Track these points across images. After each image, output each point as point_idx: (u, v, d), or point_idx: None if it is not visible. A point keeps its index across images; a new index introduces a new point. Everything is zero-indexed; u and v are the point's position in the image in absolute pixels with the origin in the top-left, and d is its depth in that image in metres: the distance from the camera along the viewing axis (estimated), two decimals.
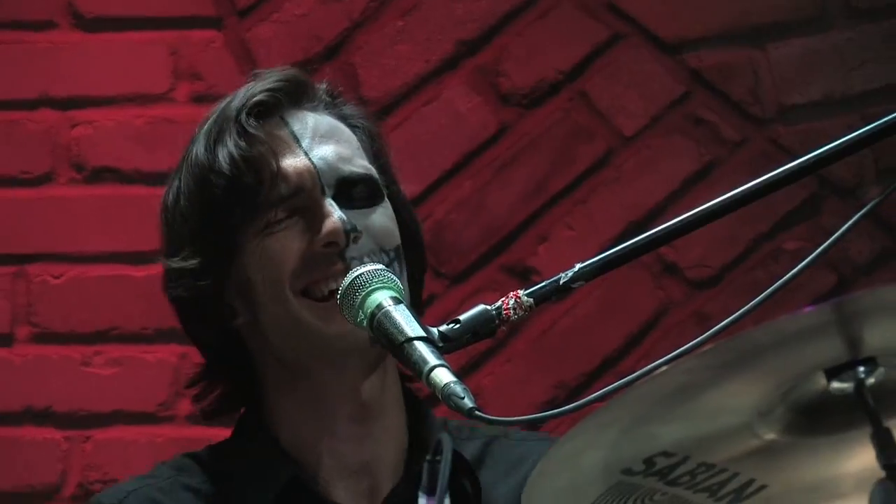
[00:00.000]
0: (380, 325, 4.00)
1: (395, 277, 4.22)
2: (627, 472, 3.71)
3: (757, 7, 4.95)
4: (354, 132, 4.56)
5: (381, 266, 4.24)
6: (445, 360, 3.89)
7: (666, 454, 3.69)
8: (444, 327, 3.97)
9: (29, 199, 7.18)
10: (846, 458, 3.69)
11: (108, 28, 5.75)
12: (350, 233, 4.27)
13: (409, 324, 3.97)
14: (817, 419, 3.77)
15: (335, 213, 4.24)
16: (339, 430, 4.56)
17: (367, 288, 4.06)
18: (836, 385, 3.65)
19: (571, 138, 5.14)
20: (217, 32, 5.21)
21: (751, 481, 3.78)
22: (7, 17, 6.31)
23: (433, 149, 5.31)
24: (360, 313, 4.05)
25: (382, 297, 4.04)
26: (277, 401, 4.58)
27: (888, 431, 3.55)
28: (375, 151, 4.54)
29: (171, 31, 5.45)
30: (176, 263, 4.48)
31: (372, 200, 4.42)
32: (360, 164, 4.38)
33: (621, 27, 4.96)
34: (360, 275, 4.14)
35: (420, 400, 4.54)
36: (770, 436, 3.67)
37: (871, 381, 3.58)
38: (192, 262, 4.49)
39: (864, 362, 3.66)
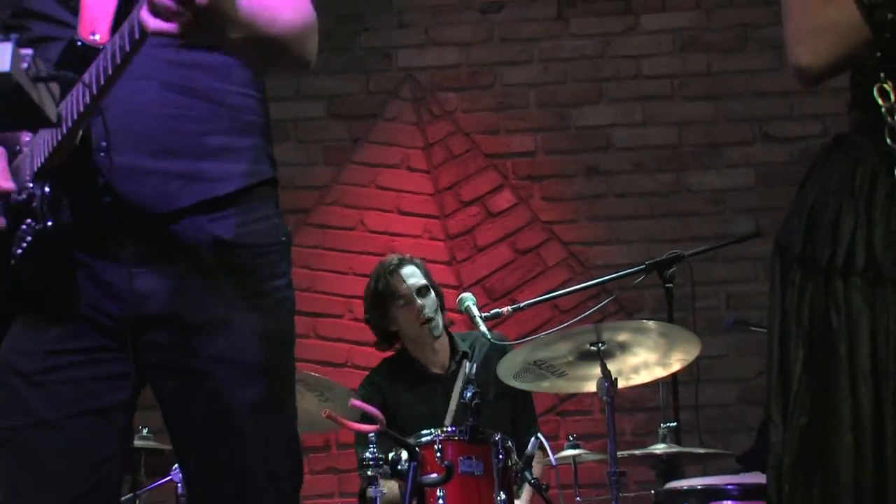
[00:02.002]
0: (467, 311, 3.60)
1: (473, 297, 3.66)
2: (528, 364, 3.53)
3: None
4: (422, 270, 3.91)
5: (468, 294, 3.70)
6: (485, 322, 3.55)
7: (540, 360, 3.51)
8: (485, 314, 3.59)
9: None
10: (593, 369, 3.42)
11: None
12: (423, 308, 3.79)
13: (478, 310, 3.58)
14: (586, 359, 3.47)
15: (417, 301, 3.82)
16: (429, 353, 3.85)
17: (463, 301, 3.59)
18: (592, 348, 3.41)
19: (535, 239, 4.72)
20: (439, 221, 4.81)
21: (564, 371, 3.56)
22: None
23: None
24: (462, 307, 3.58)
25: (470, 303, 3.58)
26: (409, 345, 3.90)
27: (606, 365, 3.35)
28: (426, 275, 3.92)
29: (412, 239, 4.88)
30: (368, 315, 3.98)
31: (427, 293, 3.84)
32: (423, 282, 3.89)
33: (550, 236, 4.38)
34: (461, 298, 3.65)
35: (456, 341, 3.99)
36: (571, 359, 3.48)
37: (603, 347, 3.40)
38: (372, 315, 3.96)
39: (602, 343, 3.42)
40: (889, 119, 1.71)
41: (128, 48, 1.61)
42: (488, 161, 4.97)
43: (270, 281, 1.90)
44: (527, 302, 3.89)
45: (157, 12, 1.55)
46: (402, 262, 3.97)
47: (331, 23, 4.76)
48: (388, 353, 4.05)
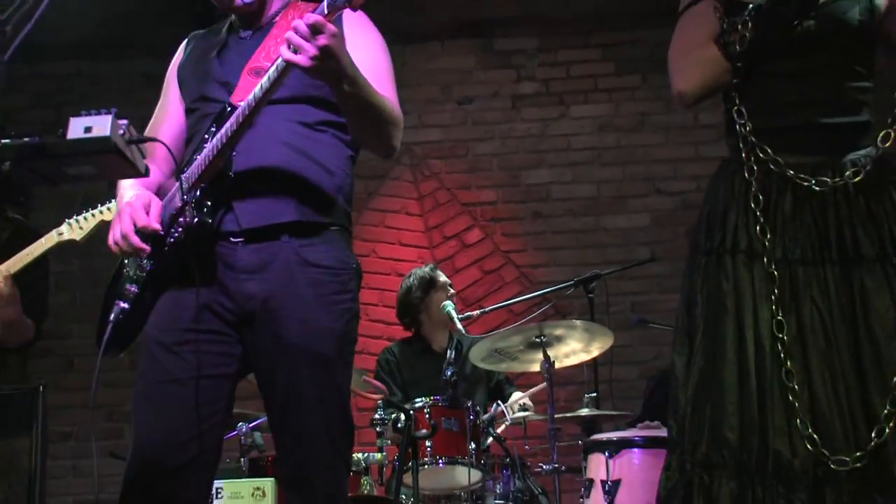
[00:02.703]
0: (448, 314, 3.52)
1: (453, 304, 3.58)
2: (491, 351, 3.42)
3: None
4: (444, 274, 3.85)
5: (449, 302, 3.62)
6: (461, 321, 3.47)
7: (499, 348, 3.41)
8: (461, 316, 3.50)
9: None
10: (538, 354, 3.31)
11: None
12: (451, 293, 3.71)
13: (456, 313, 3.51)
14: (532, 347, 3.35)
15: (449, 290, 3.75)
16: (437, 334, 3.75)
17: (446, 307, 3.56)
18: (537, 340, 3.27)
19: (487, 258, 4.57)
20: (428, 250, 4.63)
21: (517, 356, 3.36)
22: None
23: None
24: (445, 311, 3.53)
25: (450, 308, 3.54)
26: (425, 326, 3.75)
27: (546, 352, 3.19)
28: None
29: (409, 263, 4.47)
30: (414, 295, 3.78)
31: (450, 287, 3.79)
32: (448, 281, 3.83)
33: (507, 261, 4.28)
34: (443, 304, 3.60)
35: (450, 332, 3.79)
36: (522, 348, 3.34)
37: (544, 339, 3.22)
38: (416, 295, 3.78)
39: (544, 336, 3.29)
40: (743, 131, 1.67)
41: (247, 111, 1.77)
42: (463, 208, 4.93)
43: (339, 294, 1.87)
44: (490, 307, 3.85)
45: (293, 49, 1.63)
46: (434, 268, 3.94)
47: None
48: (406, 335, 3.92)
